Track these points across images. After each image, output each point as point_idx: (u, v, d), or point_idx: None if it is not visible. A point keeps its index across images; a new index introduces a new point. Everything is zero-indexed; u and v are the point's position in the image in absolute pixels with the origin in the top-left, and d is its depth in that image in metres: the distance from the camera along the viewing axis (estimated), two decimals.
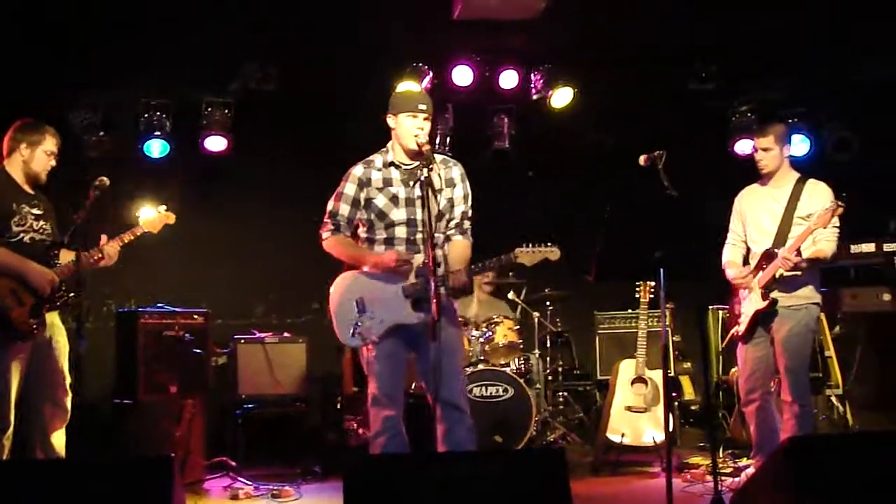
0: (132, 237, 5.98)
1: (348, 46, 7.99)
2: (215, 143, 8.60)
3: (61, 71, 7.83)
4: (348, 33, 7.81)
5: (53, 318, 5.74)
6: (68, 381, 5.73)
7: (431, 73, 8.59)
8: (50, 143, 5.72)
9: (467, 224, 5.37)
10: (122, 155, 8.23)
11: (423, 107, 5.18)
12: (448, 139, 8.85)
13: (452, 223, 5.32)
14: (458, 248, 5.31)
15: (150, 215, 6.12)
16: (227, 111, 8.58)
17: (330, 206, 5.34)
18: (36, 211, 5.66)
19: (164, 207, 6.19)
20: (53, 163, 5.76)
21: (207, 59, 8.06)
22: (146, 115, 8.45)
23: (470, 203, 5.38)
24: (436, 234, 5.12)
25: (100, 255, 5.77)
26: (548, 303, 8.68)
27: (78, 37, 7.50)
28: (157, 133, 8.44)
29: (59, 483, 4.00)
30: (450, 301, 5.28)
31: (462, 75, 8.63)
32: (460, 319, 7.72)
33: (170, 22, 7.44)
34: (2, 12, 7.11)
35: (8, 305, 5.40)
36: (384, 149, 5.35)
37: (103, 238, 5.84)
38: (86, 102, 8.20)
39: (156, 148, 8.47)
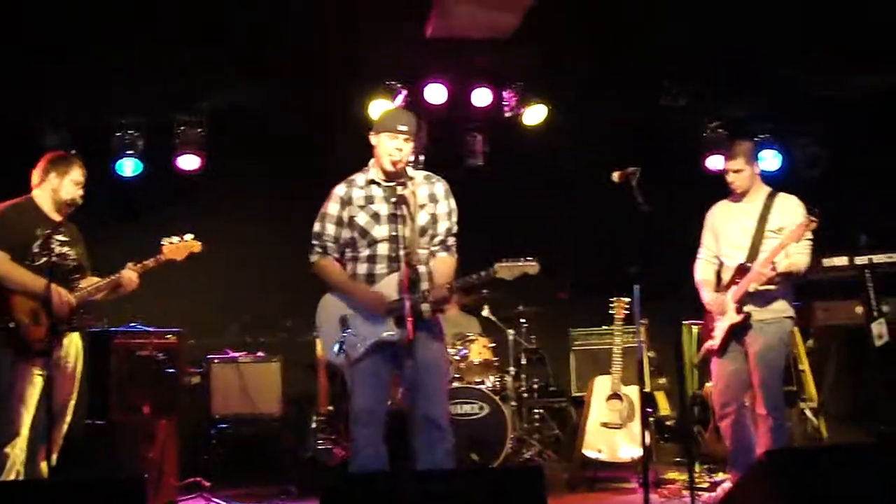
0: (154, 265, 6.06)
1: (321, 64, 7.98)
2: (188, 162, 8.58)
3: (34, 90, 7.79)
4: (321, 51, 7.80)
5: (75, 340, 5.94)
6: (70, 413, 5.91)
7: (405, 92, 8.60)
8: (77, 174, 5.97)
9: (451, 241, 5.37)
10: (95, 173, 8.19)
11: (404, 128, 5.18)
12: (421, 157, 8.84)
13: (436, 239, 5.32)
14: (443, 264, 5.31)
15: (174, 243, 6.11)
16: (199, 130, 8.55)
17: (316, 227, 5.34)
18: (61, 237, 5.84)
19: (191, 236, 6.18)
20: (81, 192, 5.98)
21: (180, 78, 8.04)
22: (118, 134, 8.41)
23: (454, 219, 5.38)
24: (419, 251, 5.13)
25: (118, 282, 5.92)
26: (522, 320, 8.67)
27: (50, 56, 7.46)
28: (130, 152, 8.41)
29: None
30: (435, 318, 5.26)
31: (435, 93, 8.63)
32: None
33: (143, 40, 7.41)
34: None
35: (25, 323, 5.59)
36: (366, 167, 5.35)
37: (129, 265, 5.96)
38: (57, 121, 8.15)
39: (128, 167, 8.45)
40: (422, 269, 5.19)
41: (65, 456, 5.72)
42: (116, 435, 6.85)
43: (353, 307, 5.18)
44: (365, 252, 5.24)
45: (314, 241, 5.34)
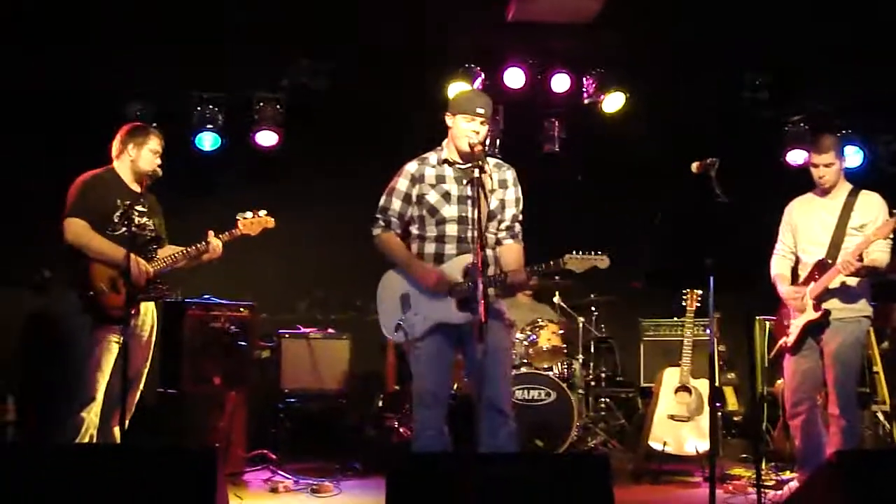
0: (228, 238, 6.12)
1: (401, 45, 8.00)
2: (266, 138, 8.66)
3: (117, 64, 7.91)
4: (401, 32, 7.82)
5: (151, 309, 6.03)
6: (143, 380, 5.98)
7: (483, 75, 8.59)
8: (154, 143, 6.01)
9: (518, 227, 5.36)
10: (175, 147, 8.31)
11: (481, 110, 5.16)
12: (498, 141, 8.83)
13: (503, 225, 5.31)
14: (512, 250, 5.30)
15: (249, 218, 6.19)
16: (278, 106, 8.63)
17: (381, 201, 5.34)
18: (140, 208, 5.91)
19: (265, 211, 6.25)
20: (159, 161, 6.02)
21: (260, 55, 8.12)
22: (199, 109, 8.52)
23: (520, 208, 5.37)
24: (486, 235, 5.12)
25: (205, 249, 6.00)
26: (593, 308, 8.64)
27: (133, 30, 7.57)
28: (209, 126, 8.52)
29: (105, 467, 4.04)
30: (498, 302, 5.26)
31: (514, 78, 8.62)
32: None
33: (223, 16, 7.49)
34: (56, 5, 7.21)
35: (103, 291, 5.68)
36: (439, 146, 5.34)
37: (210, 234, 6.03)
38: (139, 94, 8.28)
39: (207, 141, 8.56)
40: (489, 252, 5.17)
41: (136, 422, 5.84)
42: (187, 404, 6.96)
43: (416, 286, 5.17)
44: (433, 232, 5.24)
45: (378, 215, 5.34)
